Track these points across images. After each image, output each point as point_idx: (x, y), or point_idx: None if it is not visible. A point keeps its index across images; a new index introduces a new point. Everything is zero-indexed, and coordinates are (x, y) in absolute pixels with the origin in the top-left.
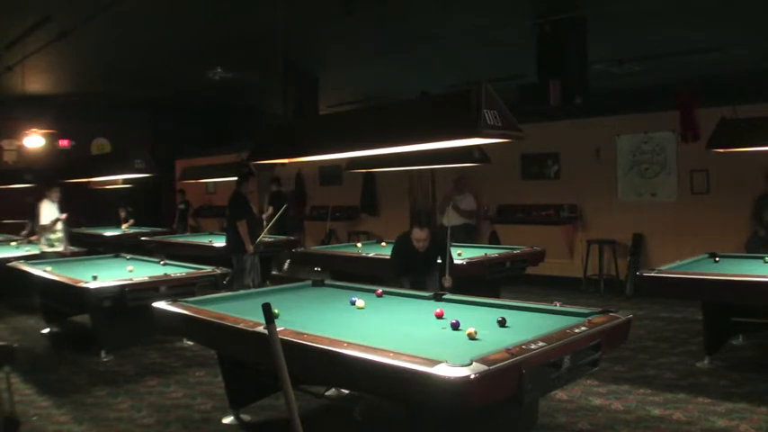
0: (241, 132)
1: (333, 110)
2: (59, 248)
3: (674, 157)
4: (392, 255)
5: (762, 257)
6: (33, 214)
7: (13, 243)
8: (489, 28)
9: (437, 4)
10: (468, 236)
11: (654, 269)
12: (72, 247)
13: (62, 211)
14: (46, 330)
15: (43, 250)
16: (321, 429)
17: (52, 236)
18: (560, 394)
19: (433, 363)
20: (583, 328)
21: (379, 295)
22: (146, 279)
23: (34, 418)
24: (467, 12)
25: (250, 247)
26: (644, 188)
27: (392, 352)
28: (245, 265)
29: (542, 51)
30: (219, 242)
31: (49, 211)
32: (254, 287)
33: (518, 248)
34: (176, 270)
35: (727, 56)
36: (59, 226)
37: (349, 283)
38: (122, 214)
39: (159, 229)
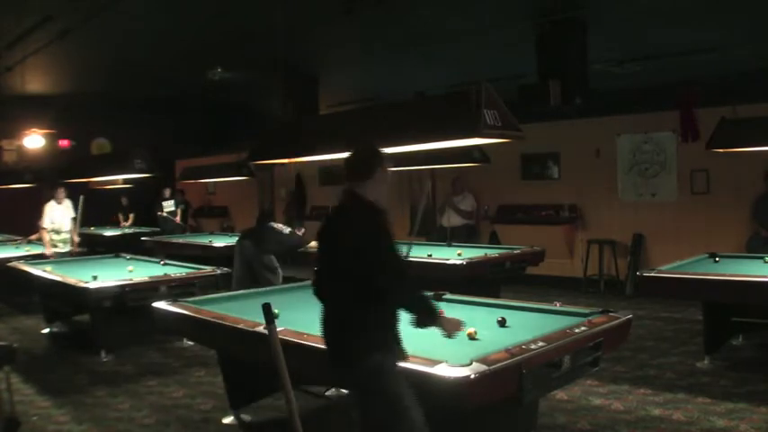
0: (241, 132)
1: (333, 110)
2: (64, 250)
3: (674, 157)
4: (393, 254)
5: (762, 257)
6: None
7: (14, 243)
8: (489, 28)
9: (437, 4)
10: (469, 236)
11: (654, 269)
12: (81, 248)
13: (75, 209)
14: (46, 330)
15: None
16: (321, 429)
17: (56, 237)
18: (560, 394)
19: (433, 363)
20: (583, 328)
21: None
22: (146, 279)
23: (34, 418)
24: (467, 12)
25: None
26: (644, 188)
27: None
28: (274, 264)
29: (542, 51)
30: (219, 242)
31: (54, 212)
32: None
33: (518, 248)
34: (176, 270)
35: (728, 56)
36: (66, 227)
37: None
38: (124, 202)
39: (159, 229)
